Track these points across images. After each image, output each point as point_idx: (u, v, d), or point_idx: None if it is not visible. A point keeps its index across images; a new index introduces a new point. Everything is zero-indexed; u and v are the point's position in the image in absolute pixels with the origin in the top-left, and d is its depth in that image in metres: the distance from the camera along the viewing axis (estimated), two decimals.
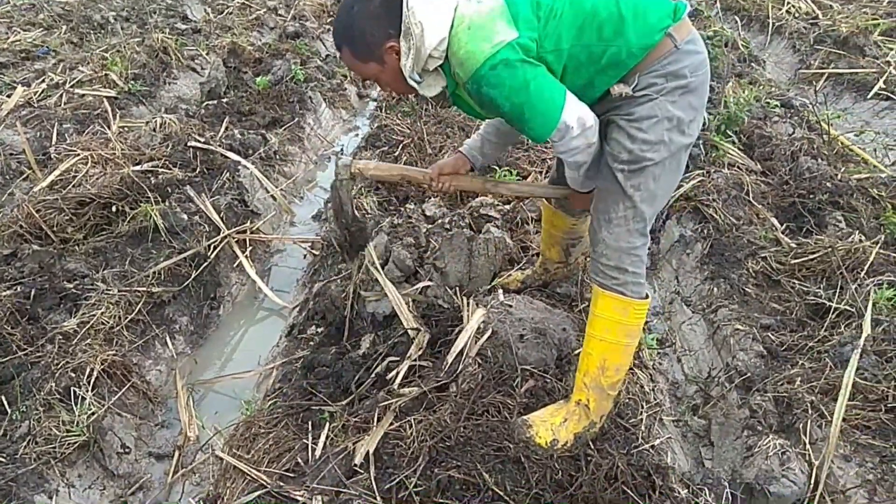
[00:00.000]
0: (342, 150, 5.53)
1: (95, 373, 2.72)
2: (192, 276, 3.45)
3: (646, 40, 1.91)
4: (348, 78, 6.72)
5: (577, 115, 1.91)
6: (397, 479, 2.11)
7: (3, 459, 2.33)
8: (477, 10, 1.86)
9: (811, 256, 3.22)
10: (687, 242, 3.68)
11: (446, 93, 2.04)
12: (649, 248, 3.92)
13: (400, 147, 4.58)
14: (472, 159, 2.48)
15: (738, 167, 4.15)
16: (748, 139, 4.54)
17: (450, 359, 2.53)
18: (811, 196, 3.76)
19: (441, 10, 1.86)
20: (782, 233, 3.50)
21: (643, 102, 1.96)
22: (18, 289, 3.11)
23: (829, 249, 3.17)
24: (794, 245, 3.34)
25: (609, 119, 2.06)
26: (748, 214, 3.68)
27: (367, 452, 2.22)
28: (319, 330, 3.14)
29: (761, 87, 5.50)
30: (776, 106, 5.05)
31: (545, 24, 1.87)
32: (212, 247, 3.65)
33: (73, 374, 2.68)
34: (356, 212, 2.68)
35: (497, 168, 4.08)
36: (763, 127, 4.67)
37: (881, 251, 3.17)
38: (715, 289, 3.27)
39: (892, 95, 5.40)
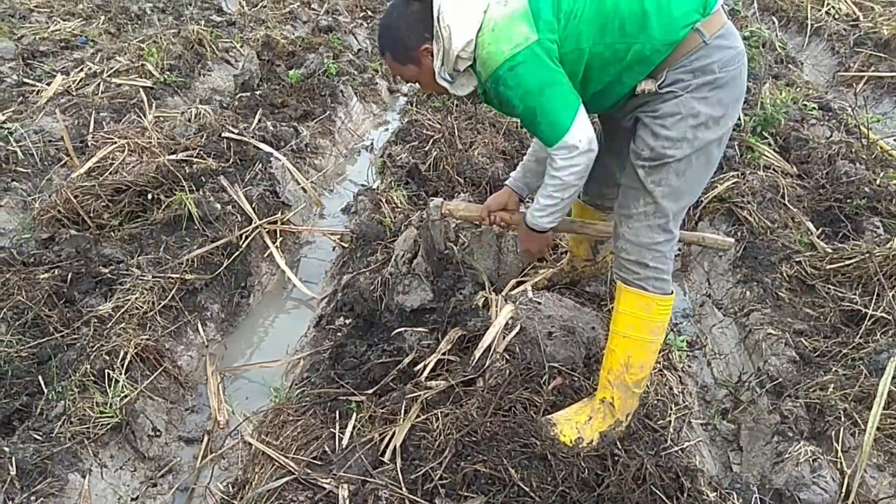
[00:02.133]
0: (372, 144, 5.55)
1: (129, 356, 2.77)
2: (224, 265, 3.49)
3: (671, 36, 1.90)
4: (379, 72, 6.75)
5: (585, 130, 1.96)
6: (423, 471, 2.12)
7: (38, 437, 2.39)
8: (502, 12, 1.93)
9: (847, 262, 3.16)
10: None
11: (477, 91, 2.13)
12: (680, 250, 3.93)
13: (430, 142, 4.59)
14: (517, 191, 2.61)
15: (774, 169, 4.09)
16: (784, 141, 4.46)
17: (477, 354, 2.53)
18: (848, 200, 3.69)
19: (469, 14, 1.96)
20: (818, 237, 3.44)
21: (668, 99, 1.95)
22: (56, 272, 3.18)
23: (867, 255, 3.11)
24: (829, 250, 3.28)
25: (637, 116, 2.05)
26: (783, 218, 3.62)
27: (395, 446, 2.23)
28: (347, 321, 3.17)
29: (798, 89, 5.40)
30: (814, 108, 4.96)
31: (566, 24, 1.92)
32: (244, 236, 3.69)
33: (108, 357, 2.74)
34: (448, 246, 2.92)
35: None
36: (800, 129, 4.59)
37: None
38: (747, 292, 3.22)
39: None
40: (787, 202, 3.75)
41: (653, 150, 1.98)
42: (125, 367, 2.73)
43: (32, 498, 2.16)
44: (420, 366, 2.59)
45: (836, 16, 7.48)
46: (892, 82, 5.81)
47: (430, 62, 2.05)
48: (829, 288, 3.08)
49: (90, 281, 3.19)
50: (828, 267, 3.17)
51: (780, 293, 3.13)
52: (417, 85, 2.22)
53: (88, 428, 2.46)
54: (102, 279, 3.20)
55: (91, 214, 3.64)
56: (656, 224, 2.05)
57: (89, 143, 4.45)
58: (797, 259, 3.26)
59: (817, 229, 3.54)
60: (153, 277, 3.21)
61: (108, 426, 2.50)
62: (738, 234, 3.57)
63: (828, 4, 7.73)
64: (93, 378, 2.64)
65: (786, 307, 3.07)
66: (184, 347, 3.14)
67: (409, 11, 2.03)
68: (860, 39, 6.55)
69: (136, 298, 3.07)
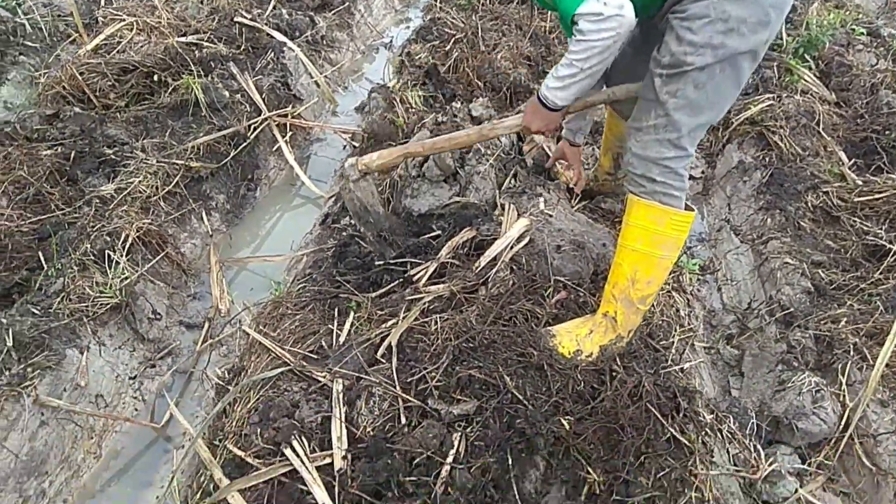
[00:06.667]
0: (392, 41, 5.31)
1: (130, 239, 2.74)
2: (231, 155, 3.40)
3: None
4: None
5: None
6: (417, 372, 2.10)
7: (37, 312, 2.38)
8: None
9: (877, 196, 3.02)
10: (745, 169, 3.47)
11: None
12: (703, 172, 3.78)
13: (452, 42, 4.35)
14: (573, 140, 2.75)
15: (812, 95, 3.87)
16: (826, 66, 4.20)
17: (483, 262, 2.47)
18: (886, 132, 3.49)
19: None
20: (849, 168, 3.28)
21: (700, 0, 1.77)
22: (59, 149, 3.11)
23: None
24: (860, 182, 3.13)
25: (667, 20, 1.88)
26: (815, 146, 3.45)
27: (391, 344, 2.21)
28: (353, 221, 3.09)
29: (848, 13, 5.05)
30: (862, 33, 4.65)
31: None
32: (252, 127, 3.58)
33: (108, 238, 2.70)
34: (380, 207, 2.70)
35: None
36: (844, 55, 4.31)
37: None
38: (769, 220, 3.10)
39: None
40: (821, 130, 3.56)
41: (673, 56, 1.83)
42: (126, 249, 2.70)
43: (29, 369, 2.18)
44: (421, 269, 2.54)
45: None
46: None
47: None
48: (854, 221, 2.96)
49: (93, 161, 3.12)
50: (856, 199, 3.04)
51: (802, 223, 3.01)
52: None
53: (87, 306, 2.46)
54: (106, 160, 3.13)
55: (97, 93, 3.53)
56: (666, 138, 1.91)
57: (98, 19, 4.28)
58: (824, 189, 3.12)
59: (850, 160, 3.37)
60: (157, 162, 3.14)
61: (108, 306, 2.50)
62: (767, 159, 3.41)
63: None
64: (93, 258, 2.62)
65: (806, 237, 2.96)
66: (187, 235, 3.10)
67: None
68: None
69: (140, 182, 3.01)
